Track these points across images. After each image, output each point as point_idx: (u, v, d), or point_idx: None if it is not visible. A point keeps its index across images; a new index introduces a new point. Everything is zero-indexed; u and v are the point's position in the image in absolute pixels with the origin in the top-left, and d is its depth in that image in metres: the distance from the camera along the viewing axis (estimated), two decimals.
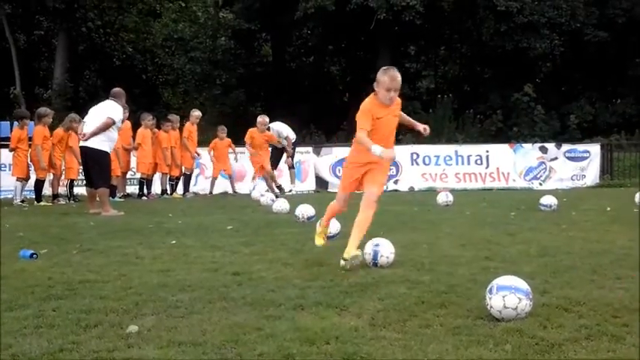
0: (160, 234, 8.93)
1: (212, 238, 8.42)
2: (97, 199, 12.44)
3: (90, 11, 34.42)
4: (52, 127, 15.65)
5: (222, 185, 19.47)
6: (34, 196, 15.49)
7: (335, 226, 7.78)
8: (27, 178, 15.53)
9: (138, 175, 17.77)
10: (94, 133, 12.16)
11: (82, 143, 12.58)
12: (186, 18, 37.31)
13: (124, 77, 31.53)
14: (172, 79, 38.53)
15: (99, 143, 12.21)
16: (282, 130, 18.29)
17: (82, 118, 13.53)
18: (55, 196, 15.71)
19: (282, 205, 12.08)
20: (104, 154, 12.36)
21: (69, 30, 32.75)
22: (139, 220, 11.01)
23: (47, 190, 15.93)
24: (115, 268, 6.21)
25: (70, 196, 16.13)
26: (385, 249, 6.18)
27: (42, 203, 15.01)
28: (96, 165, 12.37)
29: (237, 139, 18.75)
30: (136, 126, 17.32)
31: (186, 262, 6.55)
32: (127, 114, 15.69)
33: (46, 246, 7.61)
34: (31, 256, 6.80)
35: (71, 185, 16.19)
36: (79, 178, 16.10)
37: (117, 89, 12.92)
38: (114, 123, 12.30)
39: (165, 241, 8.09)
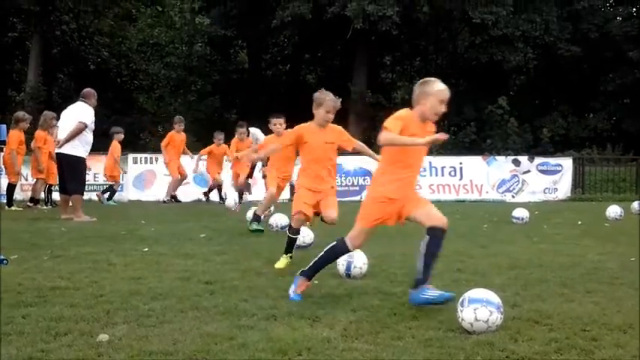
0: (133, 241, 8.87)
1: (185, 246, 8.38)
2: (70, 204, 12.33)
3: (65, 14, 34.10)
4: (27, 131, 15.43)
5: (196, 193, 19.40)
6: (4, 201, 15.31)
7: (309, 236, 8.06)
8: None
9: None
10: (68, 140, 12.05)
11: (57, 150, 12.46)
12: (163, 23, 37.17)
13: (99, 81, 31.23)
14: (147, 85, 38.36)
15: (73, 149, 12.11)
16: (260, 136, 18.20)
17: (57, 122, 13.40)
18: (37, 201, 15.56)
19: None
20: (79, 160, 12.24)
21: (43, 33, 32.46)
22: (112, 226, 10.93)
23: (17, 195, 15.74)
24: (86, 275, 6.16)
25: (48, 201, 16.01)
26: (358, 260, 6.19)
27: (13, 208, 14.83)
28: (71, 171, 12.24)
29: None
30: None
31: (158, 270, 6.51)
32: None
33: (16, 251, 7.51)
34: (1, 261, 6.72)
35: (49, 190, 16.03)
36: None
37: (87, 90, 12.68)
38: (86, 127, 12.17)
39: (137, 249, 8.03)
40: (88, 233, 9.75)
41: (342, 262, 6.17)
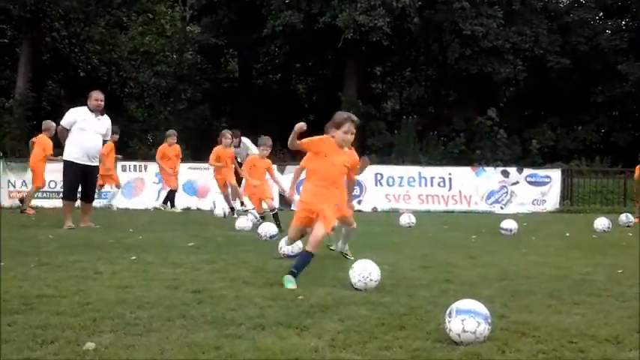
0: (120, 249, 8.82)
1: (173, 254, 8.34)
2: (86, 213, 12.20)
3: (56, 21, 34.03)
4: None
5: (186, 201, 19.35)
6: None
7: (297, 245, 8.01)
8: None
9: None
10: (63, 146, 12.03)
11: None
12: (154, 31, 37.13)
13: (89, 89, 31.10)
14: (137, 93, 38.28)
15: (64, 154, 12.00)
16: (252, 147, 18.09)
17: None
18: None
19: (244, 222, 12.04)
20: (66, 164, 11.92)
21: (33, 39, 32.35)
22: (99, 234, 10.87)
23: (5, 202, 15.71)
24: (72, 283, 6.12)
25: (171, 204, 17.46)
26: (374, 273, 6.09)
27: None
28: (62, 175, 12.19)
29: (201, 154, 18.62)
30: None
31: (145, 279, 6.47)
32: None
33: (2, 259, 7.47)
34: None
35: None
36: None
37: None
38: (64, 129, 11.84)
39: (124, 257, 7.99)
40: (75, 241, 9.68)
41: (356, 276, 6.09)
